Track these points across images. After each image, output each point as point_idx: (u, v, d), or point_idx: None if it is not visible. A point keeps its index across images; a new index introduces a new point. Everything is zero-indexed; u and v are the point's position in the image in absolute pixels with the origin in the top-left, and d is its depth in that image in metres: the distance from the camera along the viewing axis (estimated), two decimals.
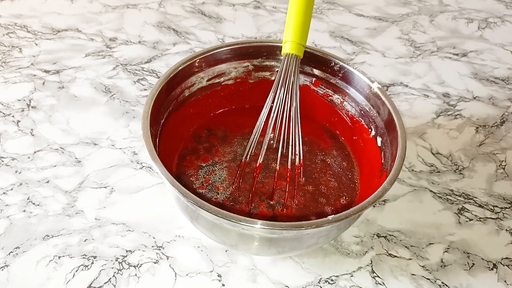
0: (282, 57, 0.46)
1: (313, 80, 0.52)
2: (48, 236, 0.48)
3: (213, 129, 0.54)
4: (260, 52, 0.51)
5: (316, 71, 0.51)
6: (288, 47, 0.45)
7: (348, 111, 0.51)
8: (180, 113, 0.49)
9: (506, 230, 0.53)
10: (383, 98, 0.46)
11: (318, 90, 0.52)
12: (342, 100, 0.51)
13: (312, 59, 0.50)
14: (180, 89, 0.48)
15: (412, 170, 0.58)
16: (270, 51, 0.51)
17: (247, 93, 0.54)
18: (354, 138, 0.52)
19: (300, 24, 0.45)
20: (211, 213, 0.35)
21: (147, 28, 0.78)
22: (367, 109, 0.48)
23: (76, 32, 0.75)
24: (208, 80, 0.50)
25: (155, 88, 0.43)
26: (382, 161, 0.45)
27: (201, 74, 0.49)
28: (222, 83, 0.51)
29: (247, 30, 0.79)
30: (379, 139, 0.47)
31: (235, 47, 0.49)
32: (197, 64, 0.48)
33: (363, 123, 0.50)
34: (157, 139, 0.44)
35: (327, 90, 0.52)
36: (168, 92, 0.46)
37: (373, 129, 0.48)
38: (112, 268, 0.46)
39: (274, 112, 0.45)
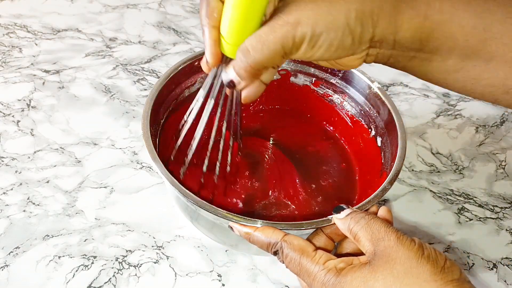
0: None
1: (313, 80, 0.52)
2: (48, 236, 0.48)
3: (213, 127, 0.54)
4: None
5: (316, 71, 0.51)
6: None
7: (348, 111, 0.51)
8: (180, 113, 0.49)
9: (506, 230, 0.53)
10: (383, 98, 0.46)
11: (318, 90, 0.52)
12: (342, 100, 0.51)
13: None
14: (180, 89, 0.48)
15: (412, 170, 0.58)
16: None
17: None
18: (354, 138, 0.52)
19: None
20: (211, 213, 0.35)
21: (147, 28, 0.78)
22: (367, 109, 0.48)
23: (76, 32, 0.75)
24: None
25: (155, 88, 0.43)
26: (382, 161, 0.45)
27: (201, 74, 0.49)
28: None
29: None
30: (379, 139, 0.47)
31: None
32: (196, 64, 0.48)
33: (363, 123, 0.50)
34: (157, 139, 0.44)
35: (327, 90, 0.52)
36: (168, 92, 0.46)
37: (373, 129, 0.48)
38: (112, 268, 0.46)
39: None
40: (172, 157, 0.43)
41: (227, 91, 0.36)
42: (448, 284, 0.28)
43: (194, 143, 0.40)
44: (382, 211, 0.35)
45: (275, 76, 0.53)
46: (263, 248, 0.34)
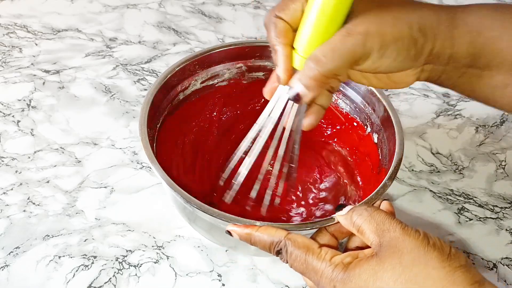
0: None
1: None
2: (48, 236, 0.48)
3: (210, 130, 0.53)
4: (253, 53, 0.50)
5: None
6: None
7: (342, 109, 0.51)
8: (176, 116, 0.49)
9: (506, 230, 0.53)
10: (378, 95, 0.45)
11: None
12: (336, 98, 0.51)
13: None
14: (174, 93, 0.47)
15: (412, 170, 0.58)
16: (263, 51, 0.50)
17: (241, 94, 0.53)
18: (349, 135, 0.52)
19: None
20: (209, 214, 0.35)
21: (147, 28, 0.78)
22: (362, 106, 0.48)
23: (76, 32, 0.75)
24: (202, 83, 0.50)
25: (150, 92, 0.43)
26: (380, 157, 0.45)
27: (195, 77, 0.49)
28: (216, 85, 0.51)
29: (247, 30, 0.79)
30: (375, 136, 0.47)
31: (228, 49, 0.49)
32: (190, 67, 0.47)
33: (358, 120, 0.49)
34: (155, 143, 0.44)
35: None
36: (163, 96, 0.46)
37: (368, 126, 0.48)
38: (112, 268, 0.46)
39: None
40: (221, 182, 0.43)
41: (285, 121, 0.36)
42: (456, 270, 0.28)
43: (248, 163, 0.39)
44: (384, 205, 0.35)
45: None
46: (265, 249, 0.34)
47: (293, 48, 0.33)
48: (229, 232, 0.35)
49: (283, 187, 0.45)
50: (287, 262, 0.33)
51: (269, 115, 0.36)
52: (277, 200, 0.45)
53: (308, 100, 0.33)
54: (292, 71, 0.33)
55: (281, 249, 0.33)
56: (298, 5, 0.31)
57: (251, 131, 0.38)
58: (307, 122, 0.37)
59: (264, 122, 0.37)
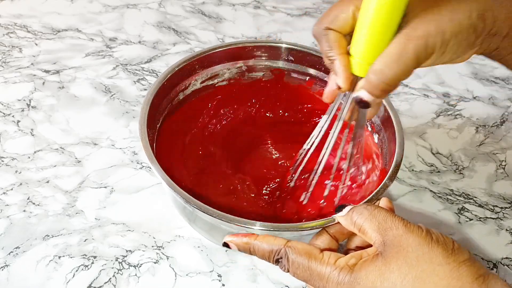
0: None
1: (307, 79, 0.51)
2: (48, 236, 0.48)
3: (210, 130, 0.53)
4: (253, 53, 0.50)
5: (310, 70, 0.51)
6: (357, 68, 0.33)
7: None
8: (177, 115, 0.49)
9: (506, 230, 0.53)
10: None
11: (312, 89, 0.52)
12: None
13: (306, 58, 0.50)
14: (174, 93, 0.47)
15: (412, 170, 0.58)
16: (263, 51, 0.50)
17: (241, 94, 0.53)
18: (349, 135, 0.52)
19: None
20: (209, 214, 0.35)
21: (147, 28, 0.78)
22: None
23: (76, 32, 0.75)
24: (202, 83, 0.50)
25: (150, 92, 0.43)
26: (380, 158, 0.45)
27: (195, 77, 0.49)
28: (216, 85, 0.51)
29: (247, 30, 0.79)
30: (375, 136, 0.47)
31: (228, 49, 0.49)
32: (190, 67, 0.47)
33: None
34: (155, 143, 0.44)
35: (321, 88, 0.51)
36: (163, 96, 0.46)
37: (369, 126, 0.48)
38: (112, 268, 0.46)
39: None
40: (291, 183, 0.46)
41: (346, 117, 0.38)
42: (461, 265, 0.28)
43: (320, 168, 0.42)
44: (382, 202, 0.35)
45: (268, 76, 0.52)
46: (264, 258, 0.33)
47: (349, 54, 0.33)
48: (226, 245, 0.34)
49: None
50: (287, 271, 0.33)
51: (329, 117, 0.39)
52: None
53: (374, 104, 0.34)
54: (352, 78, 0.33)
55: (281, 257, 0.33)
56: (348, 14, 0.32)
57: (315, 132, 0.42)
58: (370, 113, 0.37)
59: (325, 124, 0.40)
